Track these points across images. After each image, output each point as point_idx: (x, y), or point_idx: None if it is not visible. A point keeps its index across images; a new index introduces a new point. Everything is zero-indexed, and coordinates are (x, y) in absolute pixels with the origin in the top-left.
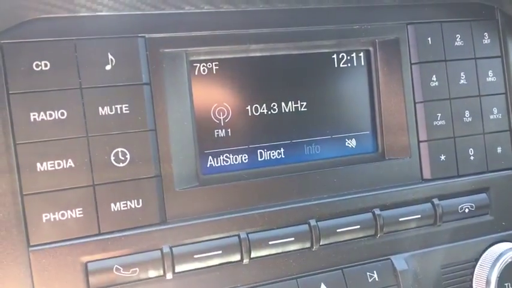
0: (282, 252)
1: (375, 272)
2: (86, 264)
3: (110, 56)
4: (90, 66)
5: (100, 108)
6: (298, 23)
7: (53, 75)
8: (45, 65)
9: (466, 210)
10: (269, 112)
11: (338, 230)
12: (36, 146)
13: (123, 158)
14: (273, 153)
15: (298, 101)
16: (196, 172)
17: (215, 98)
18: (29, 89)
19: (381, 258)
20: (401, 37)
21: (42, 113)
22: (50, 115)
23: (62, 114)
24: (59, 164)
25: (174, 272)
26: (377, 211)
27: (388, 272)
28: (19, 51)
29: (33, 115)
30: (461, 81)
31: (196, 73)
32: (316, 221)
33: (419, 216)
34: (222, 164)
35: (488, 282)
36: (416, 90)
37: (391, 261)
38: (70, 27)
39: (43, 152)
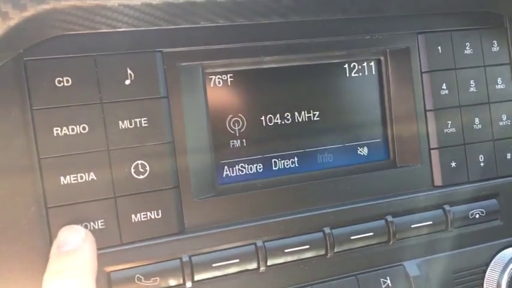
0: (298, 260)
1: (388, 278)
2: (109, 274)
3: (129, 71)
4: (110, 81)
5: (120, 122)
6: (310, 34)
7: (74, 91)
8: (67, 81)
9: (477, 216)
10: (283, 122)
11: (352, 237)
12: (60, 160)
13: (142, 170)
14: (287, 162)
15: (311, 111)
16: (212, 182)
17: (230, 109)
18: (51, 104)
19: (394, 264)
20: (411, 46)
21: (64, 128)
22: (72, 130)
23: (84, 128)
24: (81, 177)
25: (193, 281)
26: (389, 218)
27: (401, 277)
28: (41, 68)
29: (56, 130)
30: (471, 89)
31: (211, 85)
32: (331, 229)
33: (431, 222)
34: (238, 173)
35: (499, 286)
36: (427, 98)
37: (404, 267)
38: (90, 44)
39: (66, 166)
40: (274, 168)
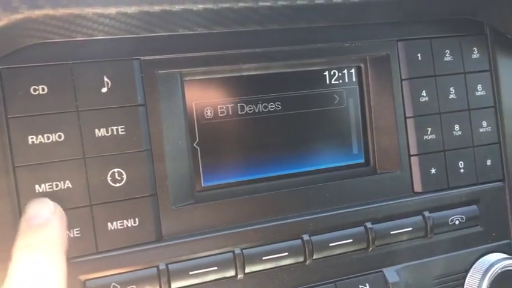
0: (276, 267)
1: (367, 284)
2: (84, 283)
3: (106, 79)
4: (86, 89)
5: (96, 130)
6: (290, 42)
7: (50, 99)
8: (43, 89)
9: (457, 222)
10: (263, 129)
11: (331, 244)
12: (35, 168)
13: (119, 178)
14: (266, 169)
15: (291, 118)
16: (191, 190)
17: (209, 116)
18: (27, 112)
19: (373, 271)
20: (391, 54)
21: (40, 136)
22: (48, 138)
23: (59, 136)
24: (56, 186)
25: None
26: (369, 225)
27: (380, 284)
28: (17, 76)
29: (31, 138)
30: (451, 96)
31: (190, 92)
32: (309, 236)
33: (410, 229)
34: (217, 181)
35: None
36: (407, 105)
37: (383, 273)
38: (66, 52)
39: (41, 174)
40: (253, 176)
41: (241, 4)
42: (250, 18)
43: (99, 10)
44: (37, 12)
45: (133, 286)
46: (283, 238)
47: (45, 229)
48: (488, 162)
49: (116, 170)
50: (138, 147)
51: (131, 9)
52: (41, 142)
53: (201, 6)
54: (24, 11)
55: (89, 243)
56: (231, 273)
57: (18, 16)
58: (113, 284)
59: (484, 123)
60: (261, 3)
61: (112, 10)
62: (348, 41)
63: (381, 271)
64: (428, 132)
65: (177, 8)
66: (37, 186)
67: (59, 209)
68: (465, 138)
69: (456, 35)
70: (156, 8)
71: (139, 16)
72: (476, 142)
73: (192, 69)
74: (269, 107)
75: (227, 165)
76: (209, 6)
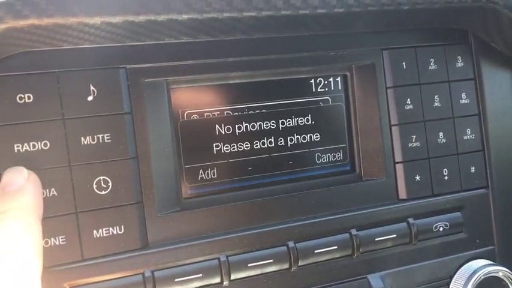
0: (261, 274)
1: None
2: None
3: (92, 87)
4: (72, 98)
5: (82, 138)
6: (276, 50)
7: (36, 107)
8: (29, 98)
9: (441, 229)
10: (249, 137)
11: (316, 251)
12: None
13: (105, 186)
14: (252, 177)
15: (278, 125)
16: (177, 197)
17: (196, 125)
18: (13, 120)
19: (358, 277)
20: (376, 62)
21: (25, 144)
22: (34, 146)
23: (45, 144)
24: (42, 193)
25: None
26: (354, 231)
27: None
28: (3, 84)
29: (17, 146)
30: (435, 104)
31: (177, 101)
32: (295, 243)
33: (395, 235)
34: (202, 188)
35: None
36: (392, 113)
37: (368, 280)
38: (52, 60)
39: None
40: (239, 183)
41: (225, 14)
42: (235, 27)
43: (83, 20)
44: (22, 22)
45: None
46: (268, 245)
47: (19, 195)
48: (472, 169)
49: (101, 177)
50: (124, 155)
51: (116, 19)
52: (26, 150)
53: (185, 16)
54: (10, 21)
55: (75, 251)
56: (217, 280)
57: (3, 26)
58: None
59: (468, 131)
60: (245, 14)
61: (97, 20)
62: (333, 49)
63: (366, 277)
64: (413, 140)
65: (162, 18)
66: None
67: (33, 176)
68: (449, 146)
69: (440, 43)
70: (141, 18)
71: (125, 26)
72: (461, 149)
73: (178, 78)
74: (254, 116)
75: (213, 174)
76: (194, 16)
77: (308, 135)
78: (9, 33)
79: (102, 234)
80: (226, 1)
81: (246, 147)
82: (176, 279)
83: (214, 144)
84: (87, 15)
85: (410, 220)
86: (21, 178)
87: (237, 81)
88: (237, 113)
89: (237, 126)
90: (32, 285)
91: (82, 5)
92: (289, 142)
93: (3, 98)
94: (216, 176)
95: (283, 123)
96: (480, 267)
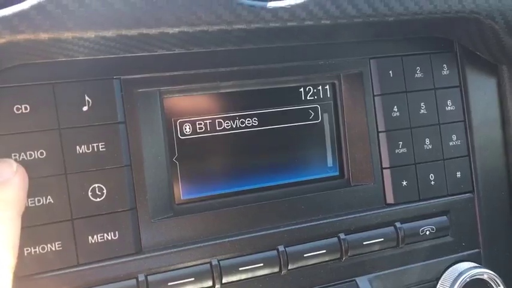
0: (252, 277)
1: None
2: None
3: (87, 98)
4: (67, 108)
5: (77, 147)
6: (265, 60)
7: (32, 118)
8: (25, 108)
9: (427, 233)
10: (240, 144)
11: (305, 255)
12: None
13: (99, 193)
14: (243, 183)
15: (268, 132)
16: (170, 203)
17: (188, 133)
18: (10, 131)
19: (346, 280)
20: (364, 71)
21: (22, 153)
22: (30, 155)
23: (42, 154)
24: (39, 201)
25: None
26: (342, 236)
27: None
28: (0, 96)
29: (14, 155)
30: (422, 111)
31: (170, 110)
32: (285, 247)
33: (382, 239)
34: (196, 194)
35: None
36: (379, 120)
37: (356, 282)
38: (48, 72)
39: None
40: (231, 189)
41: (215, 27)
42: (226, 39)
43: (78, 34)
44: (19, 37)
45: None
46: (259, 249)
47: (4, 188)
48: (458, 174)
49: (96, 185)
50: (118, 163)
51: (109, 33)
52: (23, 159)
53: (176, 30)
54: (6, 36)
55: (70, 256)
56: (209, 283)
57: (1, 40)
58: None
59: (454, 137)
60: (234, 26)
61: (91, 34)
62: (322, 59)
63: (354, 280)
64: (400, 146)
65: (153, 31)
66: None
67: (21, 170)
68: (435, 152)
69: (426, 52)
70: (134, 32)
71: (118, 39)
72: (447, 155)
73: (171, 87)
74: (246, 122)
75: (205, 179)
76: (184, 29)
77: (298, 142)
78: (7, 47)
79: (97, 240)
80: (216, 14)
81: (237, 153)
82: (169, 283)
83: (206, 151)
84: (82, 30)
85: (398, 224)
86: (10, 171)
87: (228, 90)
88: (228, 121)
89: (228, 133)
90: (1, 277)
91: (76, 20)
92: (279, 148)
93: (1, 109)
94: (208, 182)
95: (273, 130)
96: (466, 269)
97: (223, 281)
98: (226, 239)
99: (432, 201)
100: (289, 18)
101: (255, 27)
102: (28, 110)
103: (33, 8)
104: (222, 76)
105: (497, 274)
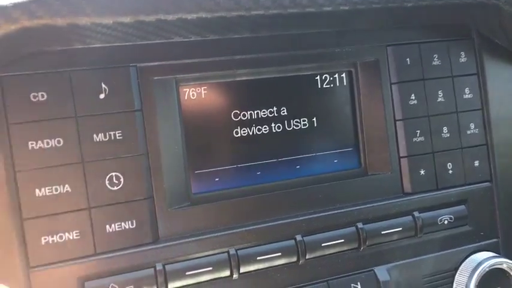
0: (270, 267)
1: (358, 283)
2: (83, 283)
3: (104, 85)
4: (84, 96)
5: (94, 135)
6: (282, 48)
7: (49, 106)
8: (42, 96)
9: (446, 222)
10: (256, 133)
11: (323, 244)
12: (35, 173)
13: (117, 182)
14: (260, 172)
15: (285, 121)
16: (187, 192)
17: (204, 121)
18: (27, 119)
19: (365, 270)
20: (381, 58)
21: (39, 142)
22: (47, 143)
23: (59, 142)
24: (56, 190)
25: None
26: (360, 225)
27: (371, 283)
28: (17, 83)
29: (32, 144)
30: (439, 99)
31: (186, 97)
32: (302, 236)
33: (400, 228)
34: (212, 183)
35: None
36: (396, 108)
37: (374, 272)
38: (65, 60)
39: (41, 179)
40: (248, 178)
41: (233, 13)
42: (243, 25)
43: (96, 20)
44: (36, 22)
45: (131, 286)
46: (276, 239)
47: None
48: (476, 163)
49: (113, 173)
50: (135, 152)
51: (127, 19)
52: (40, 147)
53: (194, 15)
54: (24, 22)
55: (88, 245)
56: (227, 273)
57: (18, 26)
58: (112, 284)
59: (472, 126)
60: (253, 12)
61: (109, 20)
62: (338, 46)
63: (372, 270)
64: (418, 135)
65: (171, 17)
66: (37, 190)
67: None
68: (453, 140)
69: (444, 39)
70: (151, 18)
71: (135, 25)
72: (464, 144)
73: (187, 75)
74: (261, 113)
75: (222, 169)
76: (202, 15)
77: (315, 131)
78: (24, 33)
79: (115, 228)
80: (235, 0)
81: (254, 142)
82: (187, 273)
83: (222, 140)
84: (99, 16)
85: (416, 213)
86: None
87: (244, 78)
88: (244, 110)
89: (245, 122)
90: None
91: (94, 6)
92: (297, 138)
93: (18, 97)
94: (225, 171)
95: (290, 119)
96: (484, 259)
97: (241, 270)
98: (244, 228)
99: (450, 190)
100: (307, 4)
101: (273, 13)
102: (45, 97)
103: None
104: (238, 64)
105: None
